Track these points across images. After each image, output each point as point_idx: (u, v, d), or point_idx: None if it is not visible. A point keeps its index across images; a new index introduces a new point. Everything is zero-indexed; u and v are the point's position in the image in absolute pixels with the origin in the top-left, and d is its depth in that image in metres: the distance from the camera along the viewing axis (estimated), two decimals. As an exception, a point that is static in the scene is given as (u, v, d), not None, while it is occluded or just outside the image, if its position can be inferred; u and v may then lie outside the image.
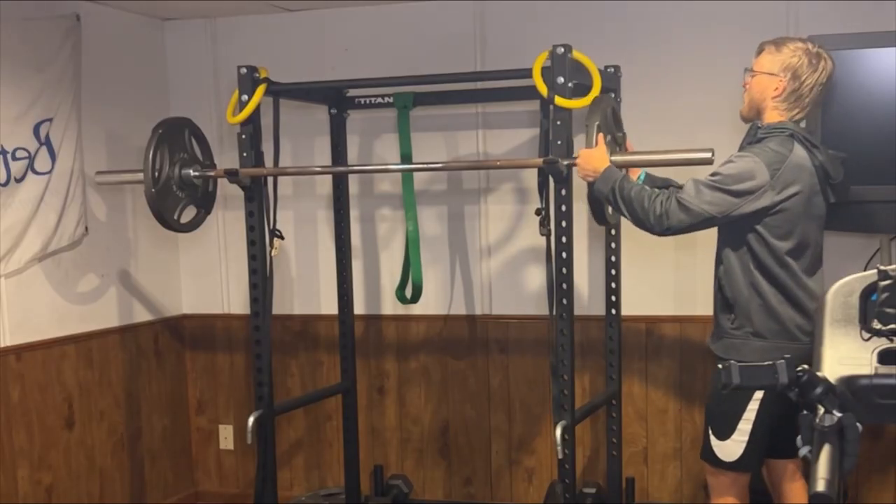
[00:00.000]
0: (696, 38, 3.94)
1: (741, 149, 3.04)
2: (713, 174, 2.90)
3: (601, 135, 3.14)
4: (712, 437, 3.00)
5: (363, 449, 4.41)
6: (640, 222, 2.94)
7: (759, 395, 2.91)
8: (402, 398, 4.49)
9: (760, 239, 2.91)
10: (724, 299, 3.00)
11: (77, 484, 4.06)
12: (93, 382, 4.15)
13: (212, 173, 3.76)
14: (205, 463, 4.79)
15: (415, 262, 3.97)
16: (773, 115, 2.98)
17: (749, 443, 2.94)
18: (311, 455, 4.65)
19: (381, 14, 4.29)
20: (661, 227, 2.89)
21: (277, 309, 4.02)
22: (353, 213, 4.32)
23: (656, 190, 2.95)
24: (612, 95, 3.63)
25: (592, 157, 3.09)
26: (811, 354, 1.79)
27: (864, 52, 3.46)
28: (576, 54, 3.26)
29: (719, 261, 3.03)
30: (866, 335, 1.71)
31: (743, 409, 2.94)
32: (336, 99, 4.10)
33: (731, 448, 2.97)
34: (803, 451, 1.57)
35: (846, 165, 3.12)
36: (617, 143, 3.35)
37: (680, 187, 3.06)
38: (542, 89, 3.24)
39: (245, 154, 3.63)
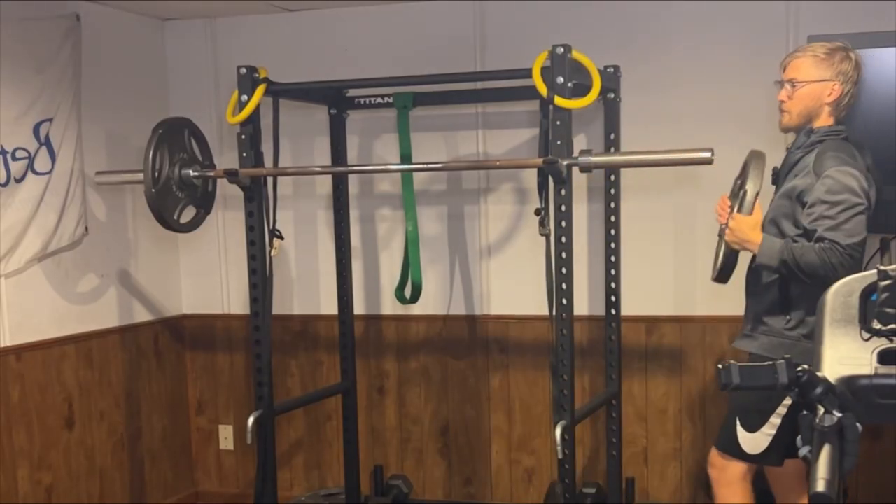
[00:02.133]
0: (696, 38, 3.94)
1: (792, 152, 3.04)
2: (829, 202, 2.83)
3: (759, 203, 2.97)
4: (740, 429, 3.02)
5: (363, 449, 4.41)
6: (826, 277, 2.80)
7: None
8: (401, 398, 4.49)
9: None
10: (784, 299, 2.99)
11: (77, 484, 4.06)
12: (93, 382, 4.15)
13: (211, 173, 3.76)
14: (205, 463, 4.79)
15: (414, 263, 3.97)
16: (827, 119, 3.02)
17: (776, 437, 2.98)
18: (311, 455, 4.65)
19: (381, 14, 4.29)
20: (840, 273, 2.76)
21: (277, 309, 4.02)
22: (353, 213, 4.32)
23: (811, 242, 2.85)
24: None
25: (746, 226, 2.95)
26: None
27: (865, 52, 3.46)
28: (576, 54, 3.26)
29: None
30: (866, 335, 1.71)
31: (779, 402, 2.95)
32: (336, 99, 4.10)
33: (758, 441, 3.00)
34: (803, 451, 1.57)
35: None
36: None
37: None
38: (542, 89, 3.24)
39: (245, 154, 3.63)
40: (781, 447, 2.99)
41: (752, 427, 3.01)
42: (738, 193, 3.10)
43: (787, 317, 2.98)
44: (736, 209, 3.02)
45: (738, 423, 3.03)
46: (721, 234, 3.15)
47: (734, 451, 3.06)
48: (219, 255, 4.67)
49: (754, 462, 3.06)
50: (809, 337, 2.92)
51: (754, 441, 3.01)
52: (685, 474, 4.15)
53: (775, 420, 2.96)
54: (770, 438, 2.98)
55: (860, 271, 2.75)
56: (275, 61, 3.88)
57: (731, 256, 3.07)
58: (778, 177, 3.12)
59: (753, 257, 3.01)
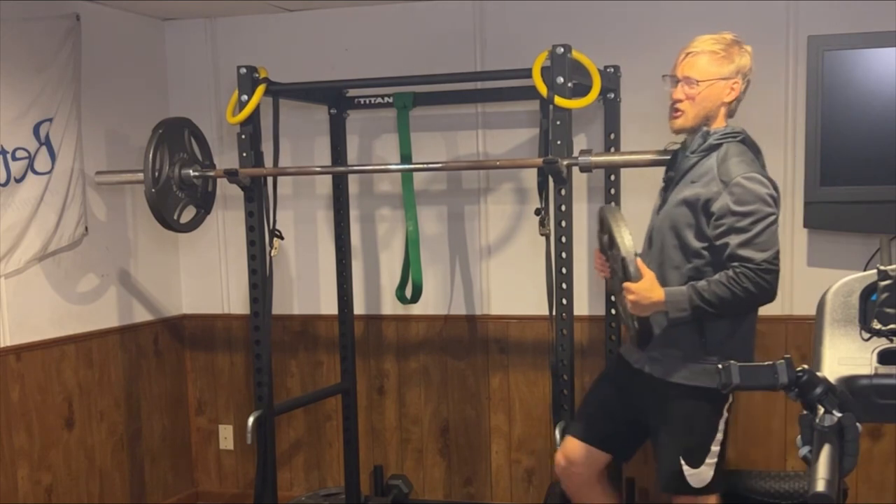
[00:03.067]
0: (696, 38, 3.94)
1: (686, 156, 2.88)
2: (739, 213, 2.70)
3: (640, 261, 2.77)
4: (686, 468, 2.89)
5: (363, 449, 4.41)
6: (754, 306, 2.78)
7: (726, 413, 2.90)
8: (401, 398, 4.49)
9: None
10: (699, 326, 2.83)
11: (77, 484, 4.06)
12: (93, 382, 4.15)
13: (211, 173, 3.76)
14: (205, 463, 4.79)
15: (415, 262, 3.97)
16: (722, 120, 2.87)
17: (718, 462, 2.92)
18: (311, 455, 4.65)
19: (381, 14, 4.29)
20: (770, 295, 2.73)
21: (277, 309, 4.02)
22: (353, 213, 4.32)
23: (718, 274, 2.71)
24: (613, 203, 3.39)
25: (645, 290, 2.72)
26: None
27: (864, 52, 3.46)
28: (576, 54, 3.26)
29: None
30: (866, 335, 1.71)
31: (715, 430, 2.89)
32: (336, 99, 4.10)
33: (704, 473, 2.90)
34: (803, 451, 1.57)
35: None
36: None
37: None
38: (542, 89, 3.24)
39: (245, 154, 3.63)
40: (723, 471, 2.95)
41: (697, 462, 2.89)
42: (610, 251, 2.90)
43: (703, 339, 2.83)
44: (620, 275, 2.79)
45: (682, 462, 2.90)
46: (615, 296, 3.00)
47: (685, 489, 2.94)
48: (219, 255, 4.67)
49: (706, 493, 2.94)
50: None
51: (700, 475, 2.90)
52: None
53: (715, 448, 2.90)
54: (714, 466, 2.91)
55: (777, 284, 2.71)
56: (275, 61, 3.88)
57: (644, 323, 2.79)
58: (670, 182, 2.93)
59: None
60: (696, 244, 2.79)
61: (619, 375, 3.10)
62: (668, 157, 3.07)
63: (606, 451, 3.10)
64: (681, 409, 2.89)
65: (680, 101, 2.84)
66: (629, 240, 2.74)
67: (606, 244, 2.92)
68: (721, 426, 2.90)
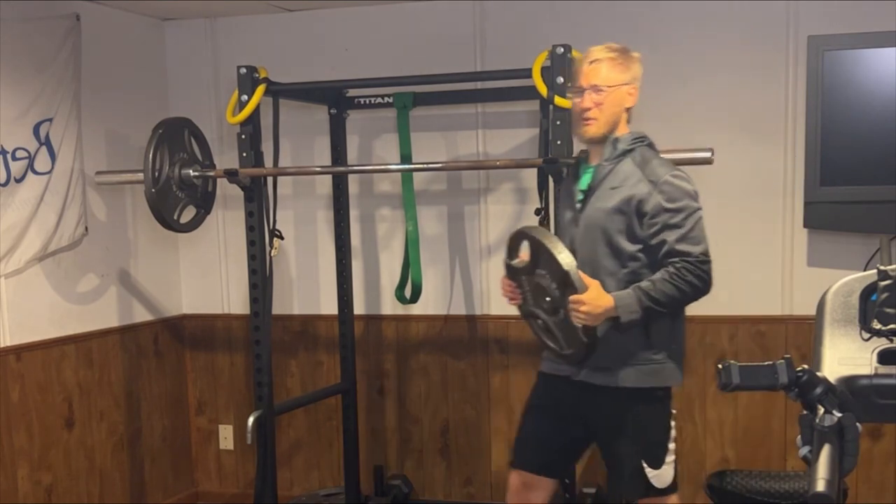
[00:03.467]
0: (696, 38, 3.94)
1: (601, 164, 2.85)
2: (672, 209, 2.74)
3: (581, 272, 2.70)
4: (648, 471, 2.87)
5: (363, 449, 4.41)
6: (695, 298, 2.79)
7: (673, 410, 2.92)
8: (401, 398, 4.49)
9: None
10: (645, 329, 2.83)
11: (77, 484, 4.05)
12: (93, 382, 4.15)
13: (211, 173, 3.76)
14: (205, 463, 4.79)
15: (414, 263, 3.97)
16: (625, 126, 2.89)
17: (675, 460, 2.93)
18: (311, 455, 4.65)
19: (381, 14, 4.29)
20: (709, 287, 2.77)
21: (277, 309, 4.02)
22: (353, 213, 4.32)
23: (660, 273, 2.74)
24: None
25: (594, 298, 2.67)
26: None
27: (864, 52, 3.46)
28: (576, 54, 3.26)
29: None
30: (866, 335, 1.71)
31: (670, 428, 2.90)
32: (336, 99, 4.10)
33: (666, 473, 2.90)
34: (803, 451, 1.57)
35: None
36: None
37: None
38: (542, 89, 3.24)
39: (245, 154, 3.63)
40: (677, 472, 2.94)
41: (658, 463, 2.88)
42: (533, 272, 2.79)
43: (650, 339, 2.83)
44: (558, 294, 2.73)
45: (644, 465, 2.88)
46: (527, 317, 2.93)
47: (651, 491, 2.91)
48: (219, 255, 4.67)
49: (669, 493, 2.94)
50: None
51: (662, 476, 2.89)
52: (685, 474, 4.14)
53: (672, 446, 2.90)
54: (672, 467, 2.91)
55: (712, 275, 2.74)
56: (275, 61, 3.88)
57: (591, 334, 2.72)
58: (588, 190, 2.88)
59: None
60: (631, 248, 2.79)
61: (553, 396, 3.03)
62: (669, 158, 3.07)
63: (553, 476, 3.09)
64: (636, 412, 2.87)
65: (589, 108, 2.85)
66: (569, 254, 2.70)
67: (525, 267, 2.83)
68: (673, 423, 2.92)
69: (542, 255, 2.75)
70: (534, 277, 2.80)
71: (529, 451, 3.07)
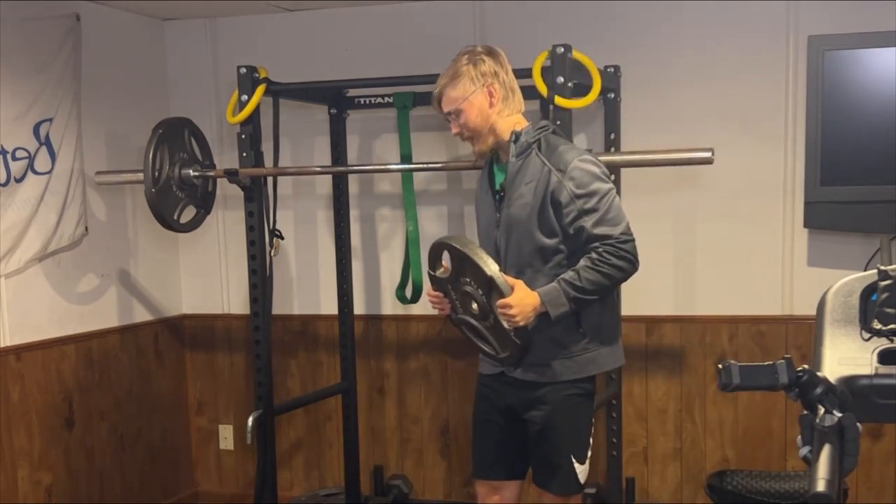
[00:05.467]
0: (696, 38, 3.94)
1: (510, 162, 2.85)
2: (583, 195, 2.73)
3: (504, 276, 2.71)
4: (577, 466, 2.87)
5: (363, 449, 4.41)
6: (624, 279, 2.80)
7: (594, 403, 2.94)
8: (402, 398, 4.49)
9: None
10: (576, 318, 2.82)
11: (77, 484, 4.05)
12: (93, 382, 4.15)
13: (211, 173, 3.76)
14: (205, 463, 4.79)
15: (415, 262, 3.97)
16: (508, 121, 2.86)
17: (590, 456, 2.92)
18: (311, 455, 4.65)
19: (381, 14, 4.29)
20: (635, 265, 2.77)
21: (277, 309, 4.02)
22: (353, 213, 4.32)
23: (582, 261, 2.73)
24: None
25: (521, 299, 2.69)
26: None
27: (865, 52, 3.46)
28: (576, 54, 3.27)
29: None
30: (866, 335, 1.70)
31: (591, 423, 2.91)
32: (336, 99, 4.11)
33: (586, 468, 2.90)
34: (803, 451, 1.57)
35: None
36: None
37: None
38: (542, 89, 3.24)
39: (245, 154, 3.63)
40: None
41: (584, 457, 2.89)
42: (457, 280, 2.79)
43: (582, 329, 2.83)
44: (484, 300, 2.74)
45: (573, 460, 2.86)
46: (459, 325, 2.93)
47: (578, 487, 2.91)
48: (219, 255, 4.67)
49: (582, 491, 2.95)
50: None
51: (585, 471, 2.90)
52: (685, 474, 4.15)
53: (591, 441, 2.91)
54: (588, 460, 2.91)
55: (636, 252, 2.75)
56: (275, 61, 3.88)
57: (523, 334, 2.73)
58: (503, 190, 2.88)
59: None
60: (552, 241, 2.79)
61: (496, 400, 3.02)
62: (669, 158, 3.08)
63: (517, 478, 3.07)
64: (569, 407, 2.87)
65: (460, 132, 2.91)
66: (490, 259, 2.71)
67: (449, 277, 2.83)
68: (593, 417, 2.94)
69: (464, 263, 2.76)
70: (459, 285, 2.81)
71: (488, 462, 3.08)
